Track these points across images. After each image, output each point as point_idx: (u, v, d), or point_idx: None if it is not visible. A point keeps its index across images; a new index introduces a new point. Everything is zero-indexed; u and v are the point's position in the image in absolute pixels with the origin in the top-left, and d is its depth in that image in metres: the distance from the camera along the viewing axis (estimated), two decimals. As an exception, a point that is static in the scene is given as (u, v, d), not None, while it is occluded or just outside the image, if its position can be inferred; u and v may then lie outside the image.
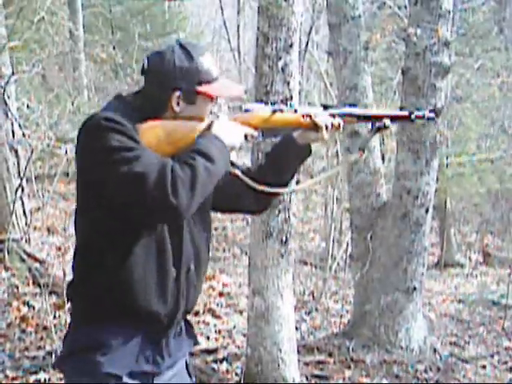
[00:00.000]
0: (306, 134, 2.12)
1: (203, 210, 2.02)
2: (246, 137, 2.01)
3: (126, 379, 1.91)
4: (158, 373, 1.99)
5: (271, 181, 2.14)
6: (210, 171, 1.83)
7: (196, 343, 2.18)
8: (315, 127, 2.08)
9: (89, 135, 1.85)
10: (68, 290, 2.01)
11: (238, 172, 2.11)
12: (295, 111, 2.09)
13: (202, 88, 1.92)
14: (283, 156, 2.16)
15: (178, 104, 1.92)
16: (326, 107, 2.15)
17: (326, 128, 2.08)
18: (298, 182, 10.12)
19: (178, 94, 1.91)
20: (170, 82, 1.90)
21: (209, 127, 1.94)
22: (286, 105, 2.13)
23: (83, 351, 1.91)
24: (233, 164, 2.10)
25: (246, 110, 2.07)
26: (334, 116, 2.11)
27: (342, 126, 2.12)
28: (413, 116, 2.15)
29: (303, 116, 2.08)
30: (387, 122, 2.13)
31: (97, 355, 1.89)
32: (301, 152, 2.16)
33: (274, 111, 2.07)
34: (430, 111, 2.18)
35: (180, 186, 1.76)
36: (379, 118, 2.15)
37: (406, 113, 2.19)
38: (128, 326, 1.92)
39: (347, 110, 2.18)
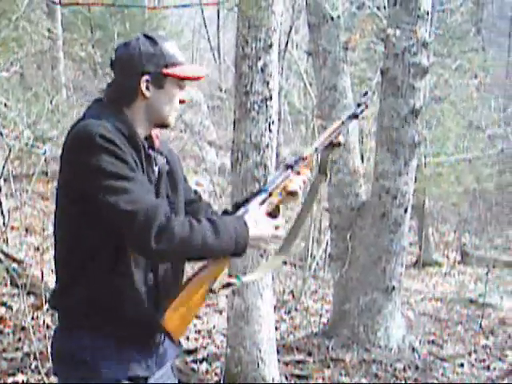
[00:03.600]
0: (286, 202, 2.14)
1: (178, 214, 2.03)
2: (276, 228, 2.02)
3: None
4: (150, 375, 2.00)
5: None
6: (207, 242, 1.84)
7: (180, 346, 2.18)
8: (291, 194, 2.11)
9: (81, 149, 1.84)
10: (53, 299, 1.99)
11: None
12: (270, 194, 2.09)
13: (169, 70, 1.97)
14: None
15: (147, 88, 1.95)
16: (289, 166, 2.14)
17: (300, 188, 2.12)
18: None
19: (146, 77, 1.94)
20: (137, 66, 1.94)
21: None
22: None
23: (80, 359, 1.90)
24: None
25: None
26: (299, 172, 2.13)
27: (309, 175, 2.17)
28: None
29: (280, 194, 2.10)
30: (341, 138, 2.19)
31: (95, 361, 1.88)
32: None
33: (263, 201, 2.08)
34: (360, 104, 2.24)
35: (166, 237, 1.78)
36: (328, 145, 2.19)
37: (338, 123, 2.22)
38: (118, 332, 1.92)
39: (306, 152, 2.18)
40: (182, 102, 2.03)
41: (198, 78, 2.07)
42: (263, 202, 2.08)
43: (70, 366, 1.92)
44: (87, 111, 1.97)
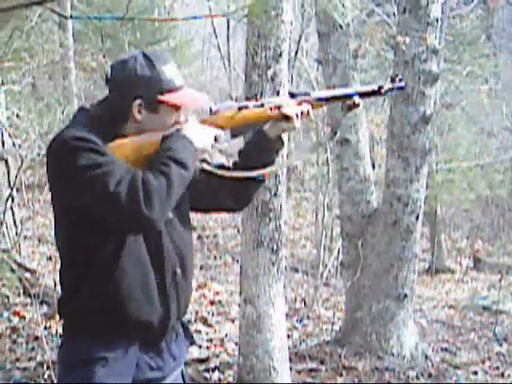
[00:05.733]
0: (277, 125, 2.11)
1: (182, 213, 2.04)
2: (215, 139, 2.00)
3: None
4: (164, 377, 2.01)
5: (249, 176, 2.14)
6: (183, 178, 1.86)
7: (192, 342, 2.18)
8: (285, 118, 2.07)
9: (58, 156, 1.86)
10: (59, 305, 2.02)
11: (210, 168, 2.10)
12: (262, 105, 2.09)
13: (164, 97, 1.92)
14: (256, 151, 2.16)
15: (139, 112, 1.92)
16: (292, 95, 2.13)
17: (297, 116, 2.08)
18: (288, 190, 10.11)
19: (138, 102, 1.91)
20: (130, 90, 1.91)
21: (178, 131, 1.95)
22: (253, 99, 2.13)
23: (81, 365, 1.91)
24: (205, 161, 2.10)
25: (213, 111, 2.06)
26: (301, 103, 2.11)
27: (311, 111, 2.11)
28: (383, 90, 2.15)
29: (271, 108, 2.08)
30: (356, 99, 2.12)
31: (96, 367, 1.89)
32: (272, 145, 2.15)
33: (240, 108, 2.07)
34: (400, 80, 2.17)
35: (154, 197, 1.78)
36: (348, 96, 2.14)
37: (374, 87, 2.17)
38: (122, 337, 1.93)
39: (314, 94, 2.16)
40: (177, 122, 1.98)
41: (195, 106, 2.03)
42: (245, 107, 2.06)
43: (72, 374, 1.94)
44: (70, 122, 1.95)
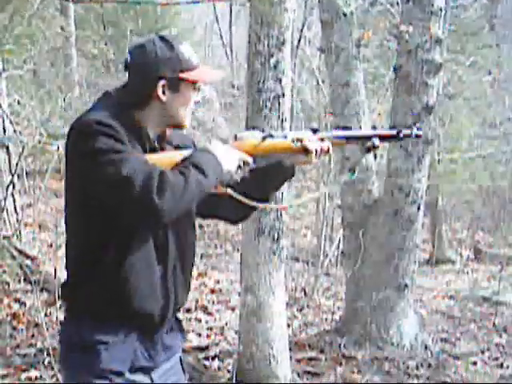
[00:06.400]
0: (296, 157, 2.17)
1: (188, 212, 2.07)
2: (242, 164, 2.07)
3: (128, 375, 1.97)
4: (154, 367, 2.05)
5: (253, 195, 2.18)
6: (201, 184, 1.90)
7: (184, 337, 2.23)
8: (305, 151, 2.13)
9: (80, 138, 1.89)
10: (63, 290, 2.04)
11: (230, 191, 2.13)
12: (285, 137, 2.15)
13: (185, 75, 1.98)
14: (267, 175, 2.21)
15: (163, 93, 1.97)
16: (314, 131, 2.19)
17: (316, 152, 2.14)
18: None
19: (162, 82, 1.96)
20: (154, 71, 1.96)
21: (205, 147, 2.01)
22: (276, 130, 2.19)
23: (84, 348, 1.94)
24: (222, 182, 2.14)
25: (238, 138, 2.12)
26: (322, 139, 2.17)
27: (331, 149, 2.17)
28: (401, 134, 2.22)
29: (293, 141, 2.13)
30: (376, 141, 2.18)
31: (99, 350, 1.93)
32: (285, 172, 2.21)
33: (264, 137, 2.12)
34: (418, 129, 2.25)
35: (168, 190, 1.82)
36: (368, 137, 2.21)
37: (394, 132, 2.25)
38: (123, 324, 1.97)
39: (336, 132, 2.23)
40: (196, 102, 2.06)
41: (213, 82, 2.13)
42: (269, 136, 2.12)
43: (74, 355, 1.97)
44: (94, 105, 1.99)
